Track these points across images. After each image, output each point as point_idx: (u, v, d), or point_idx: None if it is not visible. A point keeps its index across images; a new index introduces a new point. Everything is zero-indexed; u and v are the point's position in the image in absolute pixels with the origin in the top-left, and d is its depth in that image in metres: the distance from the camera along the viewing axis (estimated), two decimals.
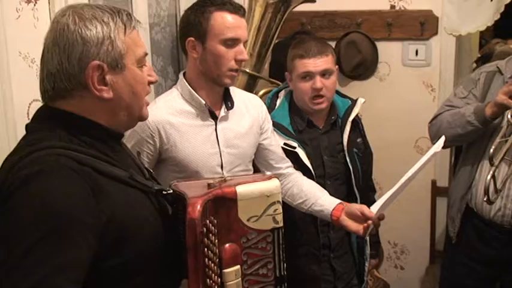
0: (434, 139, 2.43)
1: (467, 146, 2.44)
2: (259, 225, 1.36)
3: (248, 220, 1.34)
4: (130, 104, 1.29)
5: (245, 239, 1.34)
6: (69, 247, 1.08)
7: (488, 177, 2.12)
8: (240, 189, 1.33)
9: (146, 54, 1.33)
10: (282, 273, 1.41)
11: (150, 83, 1.34)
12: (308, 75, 2.24)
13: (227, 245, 1.32)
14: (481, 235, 2.39)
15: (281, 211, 1.39)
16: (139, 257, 1.24)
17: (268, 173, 1.54)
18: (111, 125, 1.29)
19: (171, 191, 1.37)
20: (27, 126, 1.29)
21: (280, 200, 1.39)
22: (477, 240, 2.41)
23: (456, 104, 2.41)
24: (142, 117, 1.37)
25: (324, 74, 2.24)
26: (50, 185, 1.10)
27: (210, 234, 1.27)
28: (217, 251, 1.29)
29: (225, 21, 1.86)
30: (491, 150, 2.13)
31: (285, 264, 1.41)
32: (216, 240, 1.29)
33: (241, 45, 1.89)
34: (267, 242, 1.37)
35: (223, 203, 1.31)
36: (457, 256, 2.51)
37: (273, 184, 1.39)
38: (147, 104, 1.37)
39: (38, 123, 1.27)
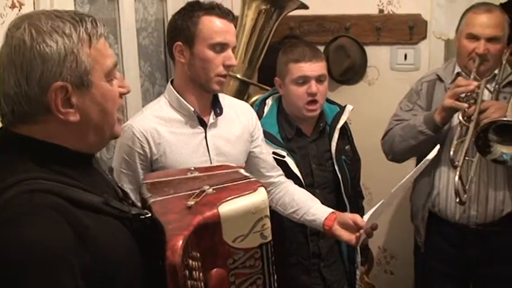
0: (389, 155, 2.52)
1: (420, 157, 2.44)
2: (246, 244, 1.26)
3: (234, 241, 1.24)
4: (100, 124, 1.16)
5: (231, 260, 1.25)
6: None
7: (456, 178, 2.15)
8: (223, 210, 1.22)
9: (116, 64, 1.19)
10: (273, 287, 1.34)
11: (121, 94, 1.21)
12: (303, 80, 2.22)
13: (213, 271, 1.23)
14: (448, 239, 2.47)
15: (269, 225, 1.30)
16: None
17: (253, 178, 1.40)
18: (81, 147, 1.16)
19: (149, 214, 1.24)
20: None
21: (268, 213, 1.29)
22: (445, 244, 2.49)
23: (404, 117, 2.46)
24: (114, 135, 1.24)
25: (319, 79, 2.23)
26: (28, 229, 0.98)
27: (194, 272, 1.17)
28: (202, 285, 1.19)
29: (213, 25, 1.84)
30: (451, 153, 2.17)
31: (275, 277, 1.35)
32: (201, 274, 1.19)
33: (229, 51, 1.87)
34: (255, 258, 1.29)
35: (206, 229, 1.20)
36: (427, 262, 2.58)
37: (259, 198, 1.28)
38: (120, 120, 1.24)
39: None
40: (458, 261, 2.47)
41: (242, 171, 1.47)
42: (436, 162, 2.33)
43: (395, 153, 2.48)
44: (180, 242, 1.12)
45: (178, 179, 1.44)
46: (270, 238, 1.30)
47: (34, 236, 0.98)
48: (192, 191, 1.29)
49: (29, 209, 1.01)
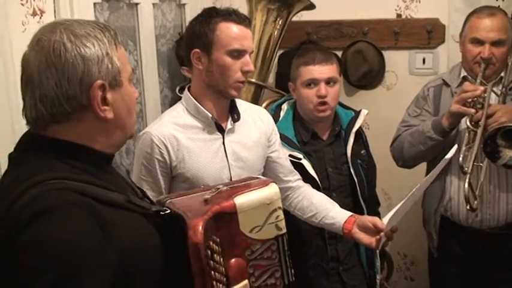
0: (399, 161, 2.53)
1: (431, 161, 2.45)
2: (262, 235, 1.31)
3: (251, 231, 1.29)
4: (126, 123, 1.25)
5: (249, 251, 1.30)
6: None
7: (466, 185, 2.14)
8: (239, 201, 1.27)
9: (133, 69, 1.31)
10: (291, 280, 1.37)
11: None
12: (313, 82, 2.24)
13: (232, 260, 1.27)
14: (462, 243, 2.46)
15: (283, 217, 1.35)
16: (153, 285, 1.19)
17: (262, 177, 1.47)
18: (105, 146, 1.22)
19: (168, 210, 1.29)
20: (10, 156, 1.20)
21: (281, 206, 1.35)
22: (459, 248, 2.48)
23: (412, 123, 2.47)
24: (132, 135, 1.31)
25: (329, 81, 2.25)
26: (55, 227, 1.02)
27: (215, 255, 1.22)
28: (223, 269, 1.24)
29: (230, 32, 1.84)
30: (461, 159, 2.17)
31: (292, 271, 1.38)
32: (221, 259, 1.24)
33: (247, 56, 1.87)
34: (272, 250, 1.33)
35: (223, 219, 1.25)
36: (442, 267, 2.57)
37: (271, 190, 1.34)
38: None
39: (24, 153, 1.18)
40: (472, 265, 2.46)
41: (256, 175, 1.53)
42: (446, 166, 2.31)
43: (405, 159, 2.49)
44: (201, 223, 1.18)
45: (194, 190, 1.49)
46: (284, 230, 1.34)
47: (63, 231, 1.02)
48: (207, 190, 1.36)
49: (59, 205, 1.05)
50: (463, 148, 2.19)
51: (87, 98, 1.15)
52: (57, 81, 1.13)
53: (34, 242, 1.01)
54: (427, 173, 3.15)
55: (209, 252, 1.19)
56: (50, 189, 1.07)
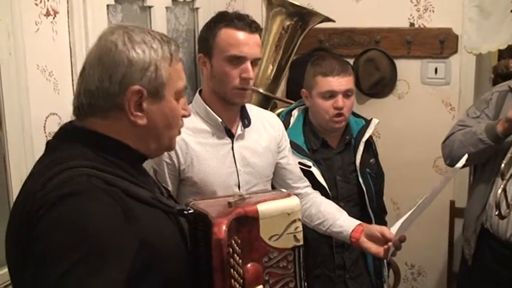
0: (447, 159, 2.44)
1: (481, 165, 2.40)
2: (280, 244, 1.33)
3: (270, 239, 1.32)
4: (161, 135, 1.28)
5: (267, 258, 1.32)
6: (107, 269, 1.05)
7: (499, 191, 2.08)
8: (262, 208, 1.31)
9: (186, 87, 1.31)
10: None
11: (183, 116, 1.33)
12: (331, 94, 2.22)
13: (249, 264, 1.29)
14: (498, 257, 2.35)
15: (301, 229, 1.37)
16: (168, 280, 1.21)
17: (285, 190, 1.52)
18: (140, 148, 1.27)
19: (192, 210, 1.33)
20: (48, 142, 1.26)
21: (301, 218, 1.38)
22: (493, 261, 2.37)
23: (469, 124, 2.39)
24: (170, 148, 1.36)
25: (346, 93, 2.23)
26: (84, 206, 1.08)
27: (235, 255, 1.25)
28: (241, 271, 1.27)
29: (229, 38, 1.82)
30: (502, 165, 2.11)
31: (306, 283, 1.40)
32: (240, 260, 1.27)
33: (247, 63, 1.84)
34: (288, 260, 1.35)
35: (245, 222, 1.29)
36: (473, 278, 2.47)
37: (293, 202, 1.38)
38: (178, 135, 1.35)
39: (61, 141, 1.24)
40: (506, 281, 2.33)
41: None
42: (494, 175, 2.27)
43: (453, 159, 2.36)
44: (226, 221, 1.23)
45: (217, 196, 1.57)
46: (301, 242, 1.37)
47: (90, 211, 1.08)
48: (230, 196, 1.39)
49: (87, 188, 1.10)
50: (508, 155, 2.12)
51: (123, 99, 1.19)
52: (101, 76, 1.19)
53: (63, 219, 1.06)
54: (470, 179, 3.09)
55: (231, 250, 1.23)
56: (80, 174, 1.11)
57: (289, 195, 1.41)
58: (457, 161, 2.29)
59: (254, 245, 1.30)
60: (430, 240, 3.21)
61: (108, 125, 1.22)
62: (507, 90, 2.39)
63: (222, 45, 1.82)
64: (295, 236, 1.36)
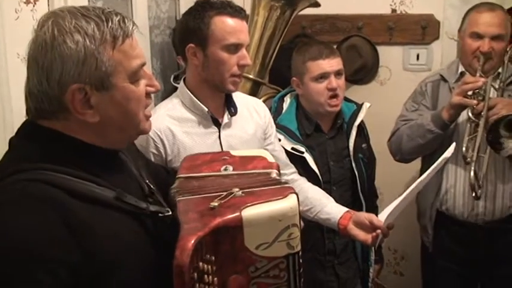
0: (396, 155, 2.53)
1: (429, 155, 2.45)
2: (270, 253, 1.18)
3: (257, 248, 1.17)
4: (123, 124, 1.17)
5: (253, 268, 1.19)
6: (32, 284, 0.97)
7: (472, 174, 2.19)
8: (247, 214, 1.15)
9: (143, 64, 1.17)
10: None
11: (149, 93, 1.20)
12: (323, 76, 2.23)
13: (232, 277, 1.17)
14: (456, 238, 2.47)
15: (298, 234, 1.21)
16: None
17: (287, 185, 1.31)
18: (103, 144, 1.17)
19: (169, 212, 1.22)
20: (10, 141, 1.18)
21: (297, 223, 1.21)
22: (453, 243, 2.48)
23: (411, 117, 2.47)
24: (143, 132, 1.24)
25: (338, 74, 2.24)
26: (10, 220, 0.99)
27: (205, 276, 1.12)
28: None
29: (225, 26, 1.80)
30: (464, 149, 2.21)
31: None
32: (215, 278, 1.14)
33: (243, 50, 1.84)
34: (280, 269, 1.20)
35: (225, 233, 1.14)
36: (435, 262, 2.57)
37: (287, 205, 1.19)
38: (148, 117, 1.23)
39: (20, 140, 1.16)
40: (467, 261, 2.47)
41: (275, 174, 1.42)
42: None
43: (403, 153, 2.49)
44: (192, 242, 1.07)
45: (211, 176, 1.41)
46: (298, 249, 1.22)
47: (13, 225, 0.99)
48: (220, 193, 1.24)
49: (16, 198, 1.01)
50: (466, 138, 2.22)
51: (66, 100, 1.09)
52: (39, 79, 1.09)
53: None
54: (421, 169, 3.16)
55: (196, 275, 1.09)
56: (18, 180, 1.03)
57: (285, 195, 1.22)
58: (407, 155, 2.41)
59: (239, 255, 1.16)
60: (410, 225, 3.23)
61: (62, 126, 1.12)
62: (439, 79, 2.50)
63: (219, 33, 1.79)
64: (288, 243, 1.19)
